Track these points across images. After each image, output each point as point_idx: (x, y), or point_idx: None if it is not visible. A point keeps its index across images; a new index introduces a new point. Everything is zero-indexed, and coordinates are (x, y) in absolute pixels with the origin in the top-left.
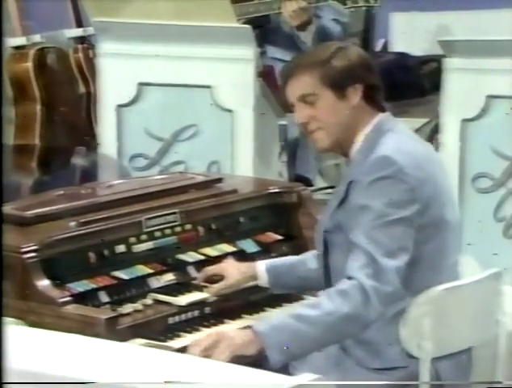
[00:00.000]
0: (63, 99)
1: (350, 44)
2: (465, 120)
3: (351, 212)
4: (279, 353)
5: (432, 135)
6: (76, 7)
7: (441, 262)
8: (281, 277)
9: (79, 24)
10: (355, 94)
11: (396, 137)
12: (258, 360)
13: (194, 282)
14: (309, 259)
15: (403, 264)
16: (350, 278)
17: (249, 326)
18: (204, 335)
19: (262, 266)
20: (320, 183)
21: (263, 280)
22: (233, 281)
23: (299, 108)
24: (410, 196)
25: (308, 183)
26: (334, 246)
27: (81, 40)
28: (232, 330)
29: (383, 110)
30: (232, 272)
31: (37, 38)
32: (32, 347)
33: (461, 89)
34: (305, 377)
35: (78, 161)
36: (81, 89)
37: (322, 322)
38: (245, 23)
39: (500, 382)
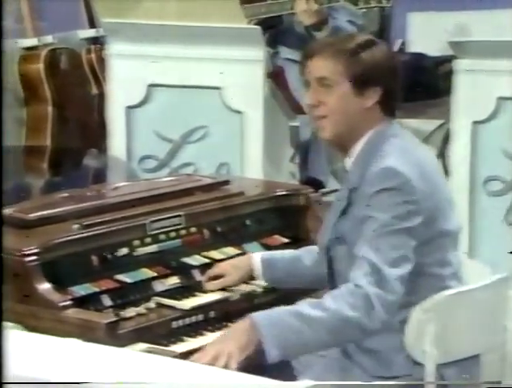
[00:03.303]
0: (74, 100)
1: (381, 40)
2: (476, 122)
3: (354, 223)
4: (276, 348)
5: (447, 137)
6: (89, 8)
7: (443, 272)
8: (275, 270)
9: (92, 25)
10: (373, 97)
11: (400, 144)
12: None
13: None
14: (305, 256)
15: (406, 273)
16: (355, 285)
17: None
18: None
19: (257, 257)
20: (333, 184)
21: (258, 271)
22: (232, 280)
23: (313, 89)
24: (415, 208)
25: (320, 185)
26: (338, 256)
27: (94, 40)
28: (228, 332)
29: (393, 115)
30: (231, 271)
31: (49, 39)
32: (30, 352)
33: (472, 90)
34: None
35: (90, 162)
36: (94, 90)
37: (322, 324)
38: (256, 24)
39: (499, 382)
